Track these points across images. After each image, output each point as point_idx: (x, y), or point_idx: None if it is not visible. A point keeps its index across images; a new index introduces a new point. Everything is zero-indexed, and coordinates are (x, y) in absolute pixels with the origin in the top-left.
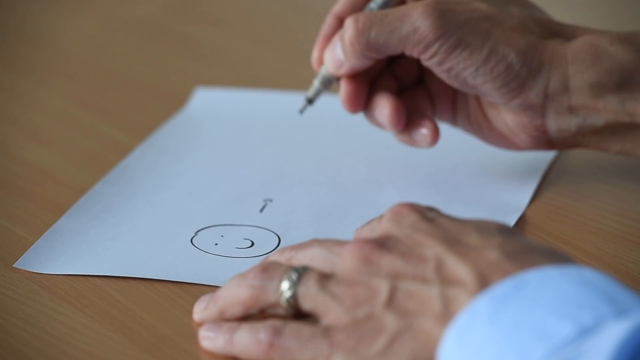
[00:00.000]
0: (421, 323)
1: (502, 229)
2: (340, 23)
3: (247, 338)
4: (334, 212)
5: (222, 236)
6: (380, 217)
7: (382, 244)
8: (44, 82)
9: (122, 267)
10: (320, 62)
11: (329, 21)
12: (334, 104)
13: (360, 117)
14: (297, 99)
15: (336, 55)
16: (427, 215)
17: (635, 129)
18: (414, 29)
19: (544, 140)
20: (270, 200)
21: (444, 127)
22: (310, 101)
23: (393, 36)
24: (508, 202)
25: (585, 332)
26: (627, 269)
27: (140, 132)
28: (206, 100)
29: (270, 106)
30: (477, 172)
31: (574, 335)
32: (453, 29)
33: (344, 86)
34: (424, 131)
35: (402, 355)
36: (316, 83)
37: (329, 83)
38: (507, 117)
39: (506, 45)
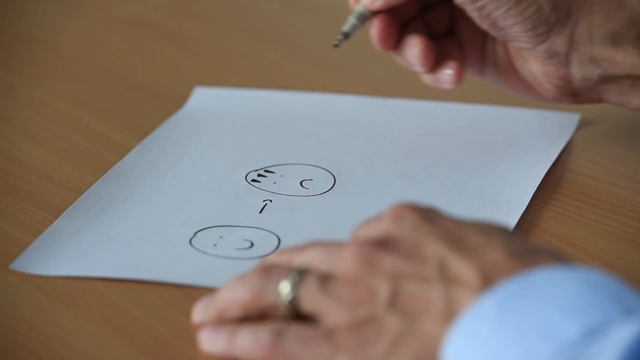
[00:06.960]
0: (424, 324)
1: (503, 230)
2: None
3: (248, 340)
4: (334, 213)
5: (221, 237)
6: (379, 217)
7: (383, 244)
8: (40, 81)
9: (120, 269)
10: None
11: None
12: (334, 103)
13: (360, 117)
14: (296, 98)
15: None
16: (427, 215)
17: None
18: None
19: (568, 91)
20: (270, 201)
21: (444, 127)
22: (346, 35)
23: None
24: (510, 200)
25: (592, 331)
26: (632, 270)
27: (138, 132)
28: (205, 100)
29: (269, 106)
30: (478, 171)
31: (581, 334)
32: None
33: (376, 24)
34: (448, 71)
35: (405, 357)
36: (352, 19)
37: (364, 19)
38: (533, 66)
39: None
